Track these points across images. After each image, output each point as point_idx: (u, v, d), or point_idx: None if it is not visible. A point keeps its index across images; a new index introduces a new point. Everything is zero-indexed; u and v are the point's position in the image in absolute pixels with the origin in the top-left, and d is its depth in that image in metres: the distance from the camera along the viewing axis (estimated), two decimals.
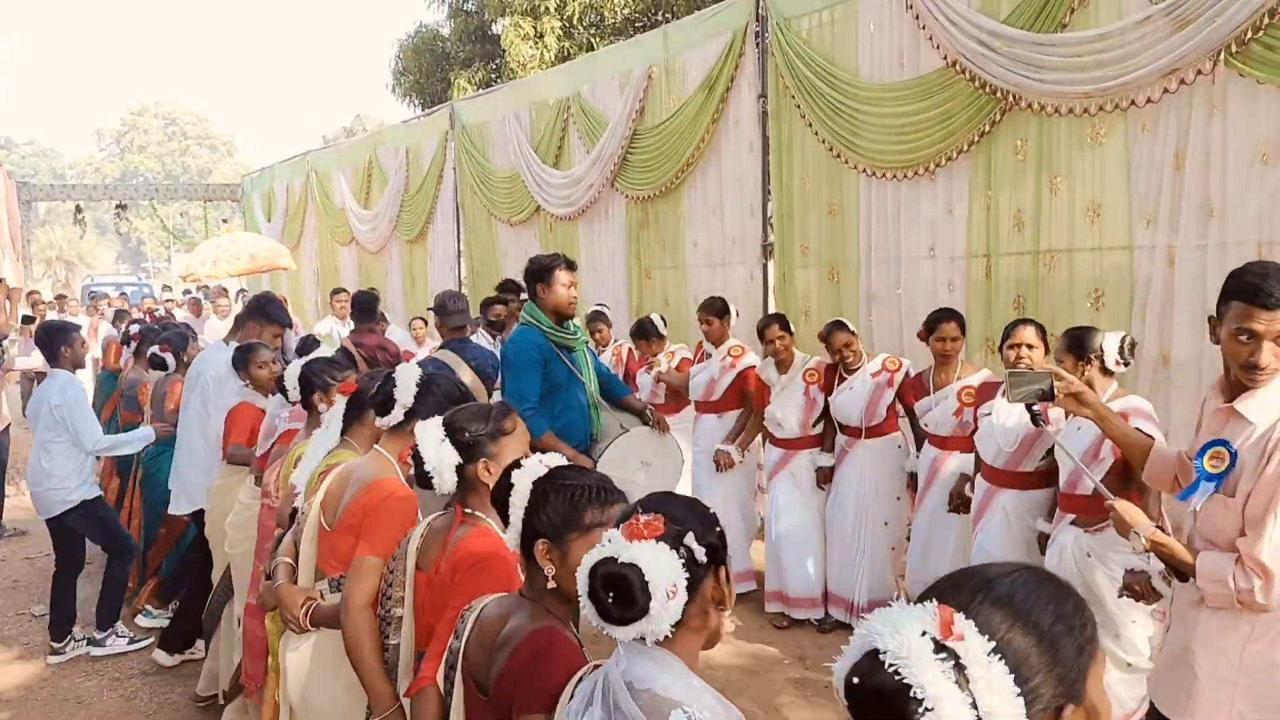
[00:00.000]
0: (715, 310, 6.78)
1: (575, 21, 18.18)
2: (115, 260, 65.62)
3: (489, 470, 2.59)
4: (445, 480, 2.62)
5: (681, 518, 1.65)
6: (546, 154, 10.49)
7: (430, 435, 2.64)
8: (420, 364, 5.87)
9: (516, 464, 2.17)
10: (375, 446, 3.15)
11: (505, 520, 2.16)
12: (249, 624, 4.09)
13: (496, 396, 6.49)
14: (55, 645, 5.95)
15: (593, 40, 18.01)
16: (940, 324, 5.28)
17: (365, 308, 7.88)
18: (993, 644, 1.08)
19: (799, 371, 6.15)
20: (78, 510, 5.78)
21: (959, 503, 5.13)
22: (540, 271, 5.27)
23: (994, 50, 5.86)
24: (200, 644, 5.64)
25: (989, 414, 4.64)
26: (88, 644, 6.00)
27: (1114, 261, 5.61)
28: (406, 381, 3.09)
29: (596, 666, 1.75)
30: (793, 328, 6.40)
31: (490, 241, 12.06)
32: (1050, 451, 4.44)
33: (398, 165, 13.70)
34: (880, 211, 7.02)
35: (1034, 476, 4.60)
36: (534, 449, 2.43)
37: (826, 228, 7.50)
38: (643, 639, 1.59)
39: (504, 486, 2.14)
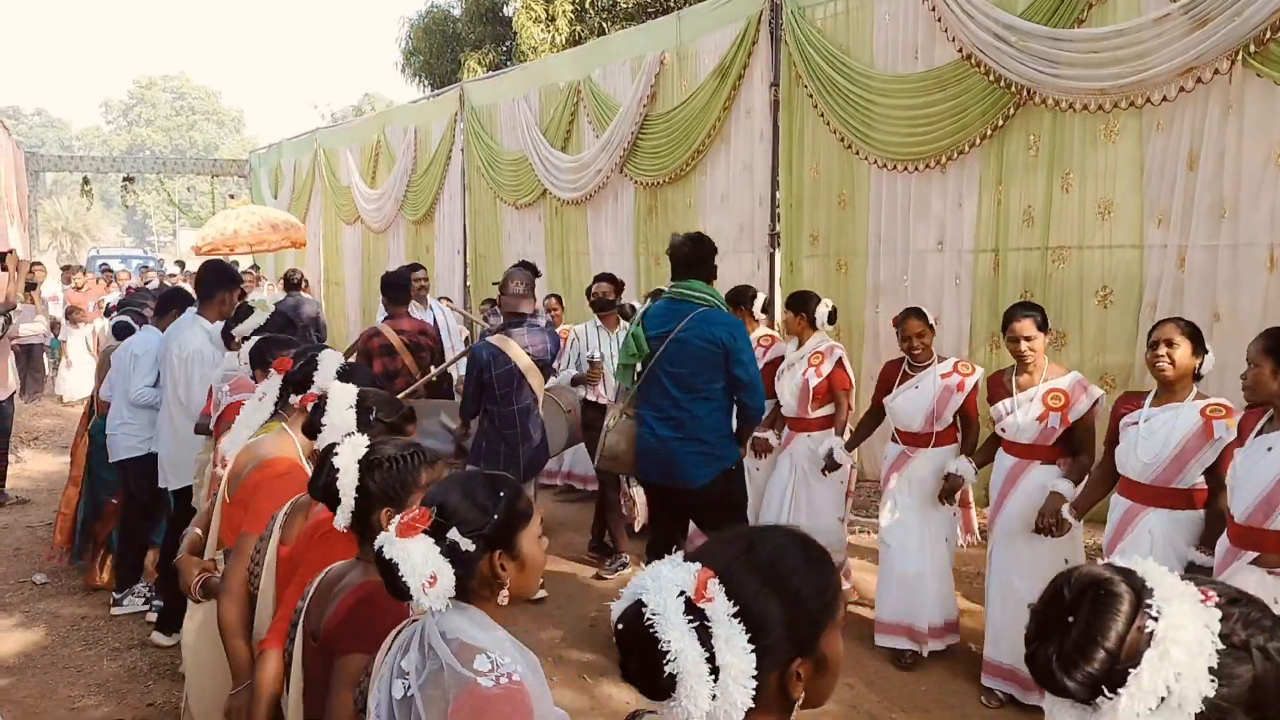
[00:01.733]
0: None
1: (588, 5, 18.10)
2: (120, 233, 65.56)
3: None
4: (334, 436, 2.60)
5: (453, 509, 1.83)
6: (555, 138, 10.46)
7: (342, 395, 2.79)
8: (475, 349, 5.90)
9: (331, 449, 2.32)
10: (282, 424, 3.21)
11: (327, 501, 2.31)
12: None
13: (554, 382, 6.41)
14: (116, 596, 6.18)
15: (605, 24, 17.94)
16: (1012, 321, 4.62)
17: (398, 288, 7.06)
18: (736, 607, 1.26)
19: (809, 353, 5.65)
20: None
21: (1051, 523, 4.41)
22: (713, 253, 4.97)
23: (1009, 44, 5.84)
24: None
25: (1134, 423, 4.08)
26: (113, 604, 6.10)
27: (1124, 260, 5.60)
28: (328, 366, 3.18)
29: (414, 620, 1.91)
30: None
31: (494, 224, 12.05)
32: (1213, 469, 3.90)
33: (406, 145, 13.67)
34: (890, 203, 7.01)
35: (1188, 495, 4.02)
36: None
37: (836, 218, 7.49)
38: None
39: (326, 469, 2.28)
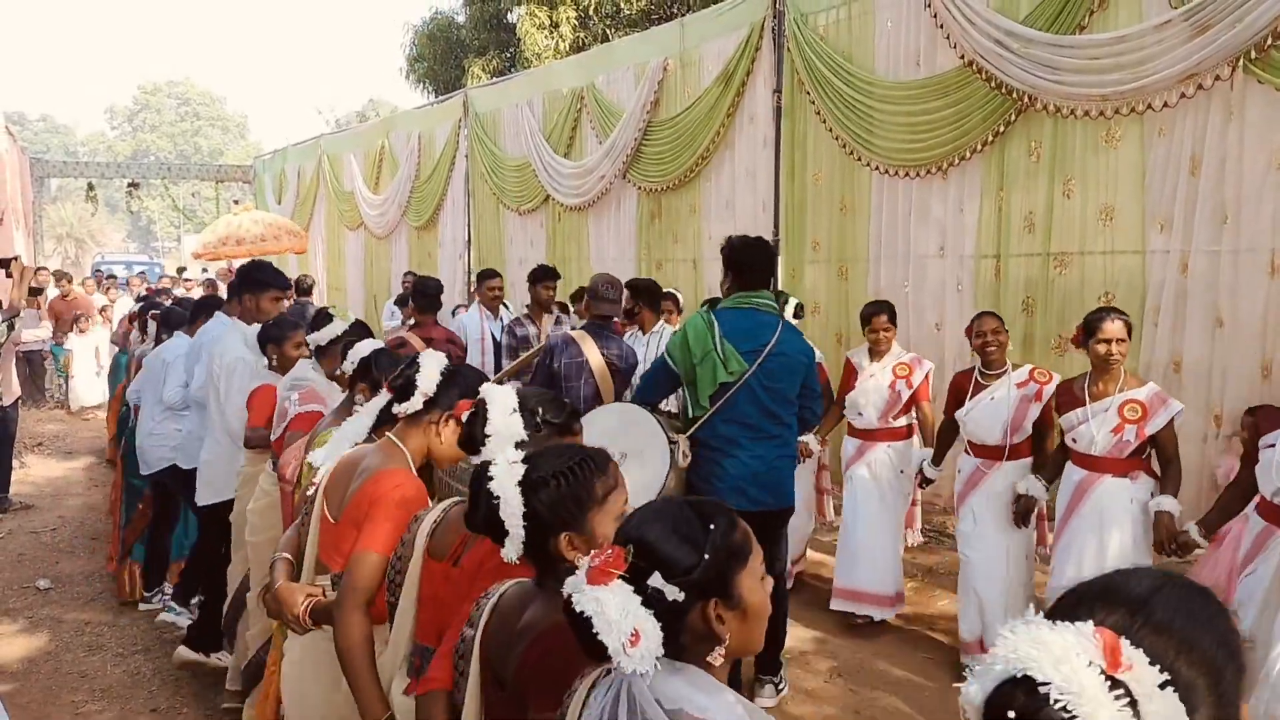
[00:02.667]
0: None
1: (591, 12, 18.14)
2: (124, 239, 65.64)
3: None
4: (502, 450, 2.22)
5: (654, 549, 1.48)
6: (558, 144, 10.49)
7: (503, 398, 2.44)
8: (551, 338, 5.88)
9: (484, 475, 1.98)
10: (388, 434, 2.86)
11: (491, 534, 1.99)
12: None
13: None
14: (146, 594, 6.31)
15: (608, 31, 17.98)
16: (1103, 322, 4.40)
17: (430, 296, 6.98)
18: (1165, 675, 1.00)
19: (892, 361, 5.61)
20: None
21: (1174, 547, 4.19)
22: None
23: (1011, 51, 5.85)
24: (224, 653, 5.21)
25: (1272, 445, 3.91)
26: (165, 609, 6.15)
27: (1126, 265, 5.61)
28: (430, 368, 2.83)
29: (609, 671, 1.57)
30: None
31: (496, 230, 12.07)
32: None
33: (409, 151, 13.71)
34: (891, 209, 7.02)
35: None
36: None
37: (837, 224, 7.50)
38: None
39: (483, 499, 1.96)
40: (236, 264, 16.93)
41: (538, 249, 11.21)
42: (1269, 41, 4.70)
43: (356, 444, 3.05)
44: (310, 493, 3.02)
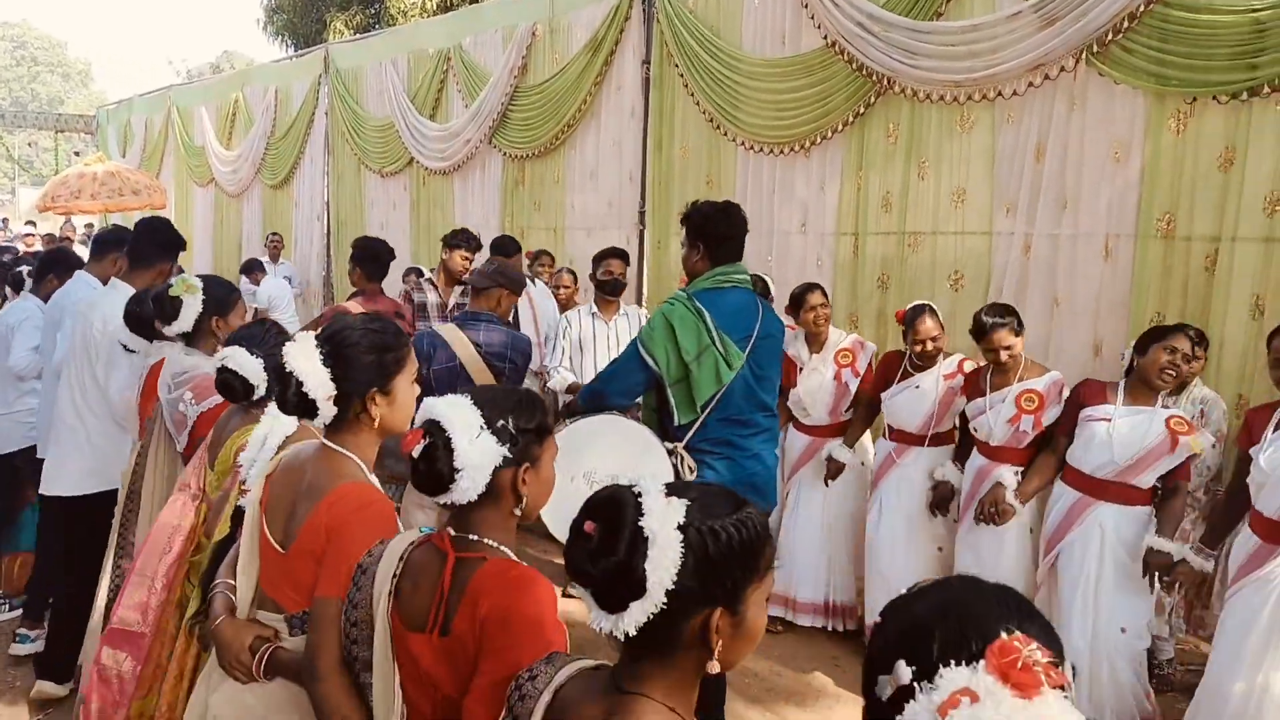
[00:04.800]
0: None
1: None
2: None
3: (525, 482, 1.93)
4: (476, 484, 1.87)
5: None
6: (423, 105, 10.26)
7: (464, 418, 1.89)
8: (416, 337, 4.59)
9: (637, 517, 1.38)
10: (322, 441, 2.33)
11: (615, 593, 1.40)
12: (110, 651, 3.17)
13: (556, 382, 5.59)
14: None
15: None
16: (990, 332, 4.37)
17: (379, 262, 5.96)
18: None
19: (832, 350, 5.19)
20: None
21: (993, 511, 4.30)
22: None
23: (872, 34, 5.99)
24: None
25: (1104, 419, 4.04)
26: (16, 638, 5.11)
27: (974, 246, 5.83)
28: (308, 368, 2.24)
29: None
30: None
31: (357, 191, 11.75)
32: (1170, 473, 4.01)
33: (265, 106, 13.19)
34: (756, 185, 7.12)
35: (1144, 493, 4.09)
36: None
37: (704, 197, 7.50)
38: None
39: (626, 546, 1.37)
40: (78, 220, 16.06)
41: (401, 212, 10.97)
42: (1110, 36, 4.94)
43: (287, 436, 2.61)
44: (240, 505, 2.55)
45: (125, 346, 4.18)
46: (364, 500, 2.21)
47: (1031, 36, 5.23)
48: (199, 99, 15.42)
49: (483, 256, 6.40)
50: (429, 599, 1.88)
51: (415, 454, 1.89)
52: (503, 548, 1.91)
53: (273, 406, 2.52)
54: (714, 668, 1.42)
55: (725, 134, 7.24)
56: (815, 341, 5.24)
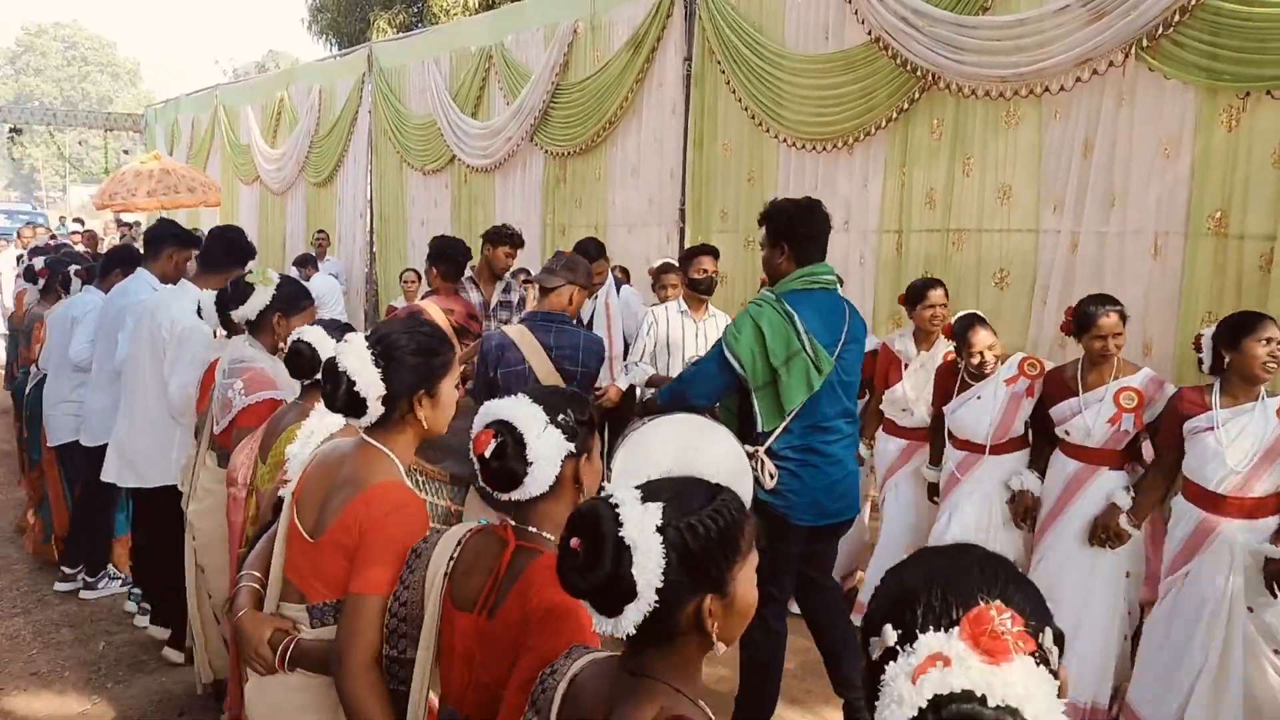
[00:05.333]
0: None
1: None
2: (5, 187, 62.65)
3: (584, 474, 2.04)
4: (548, 476, 1.96)
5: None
6: (465, 103, 10.31)
7: (530, 415, 1.97)
8: (485, 338, 4.49)
9: (603, 514, 1.45)
10: (364, 437, 2.35)
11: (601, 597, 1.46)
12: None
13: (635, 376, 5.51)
14: (89, 579, 5.70)
15: None
16: (1096, 319, 4.13)
17: (454, 260, 5.71)
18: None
19: (940, 350, 5.00)
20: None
21: (1105, 536, 4.13)
22: None
23: (917, 29, 5.93)
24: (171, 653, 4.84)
25: (1209, 428, 3.85)
26: (84, 586, 5.64)
27: (1019, 244, 5.76)
28: (361, 367, 2.27)
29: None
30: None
31: (399, 189, 11.84)
32: None
33: (310, 105, 13.33)
34: (798, 181, 7.08)
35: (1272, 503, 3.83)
36: None
37: (745, 194, 7.55)
38: None
39: (611, 553, 1.43)
40: (127, 217, 16.31)
41: (442, 210, 11.04)
42: (1160, 30, 4.86)
43: (332, 434, 2.63)
44: (280, 495, 2.58)
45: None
46: (402, 500, 2.23)
47: (1079, 31, 5.15)
48: (245, 98, 15.62)
49: (529, 255, 6.37)
50: (483, 581, 1.95)
51: (488, 453, 1.95)
52: (553, 539, 1.93)
53: (321, 404, 2.55)
54: (719, 649, 1.49)
55: (767, 130, 7.20)
56: (926, 340, 5.07)
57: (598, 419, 2.08)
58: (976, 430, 4.58)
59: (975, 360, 4.50)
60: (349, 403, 2.28)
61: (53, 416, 5.63)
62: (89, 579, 5.67)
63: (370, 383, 2.26)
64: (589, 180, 9.02)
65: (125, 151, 20.44)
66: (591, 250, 6.24)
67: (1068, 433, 4.29)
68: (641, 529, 1.42)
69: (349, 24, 21.21)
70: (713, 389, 3.77)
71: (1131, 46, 5.01)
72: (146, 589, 5.26)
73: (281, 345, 3.58)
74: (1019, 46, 5.46)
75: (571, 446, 1.97)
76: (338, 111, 12.77)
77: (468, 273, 6.34)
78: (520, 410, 1.97)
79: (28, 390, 6.33)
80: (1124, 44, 5.03)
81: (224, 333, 4.15)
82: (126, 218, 16.33)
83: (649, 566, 1.41)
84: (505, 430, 1.95)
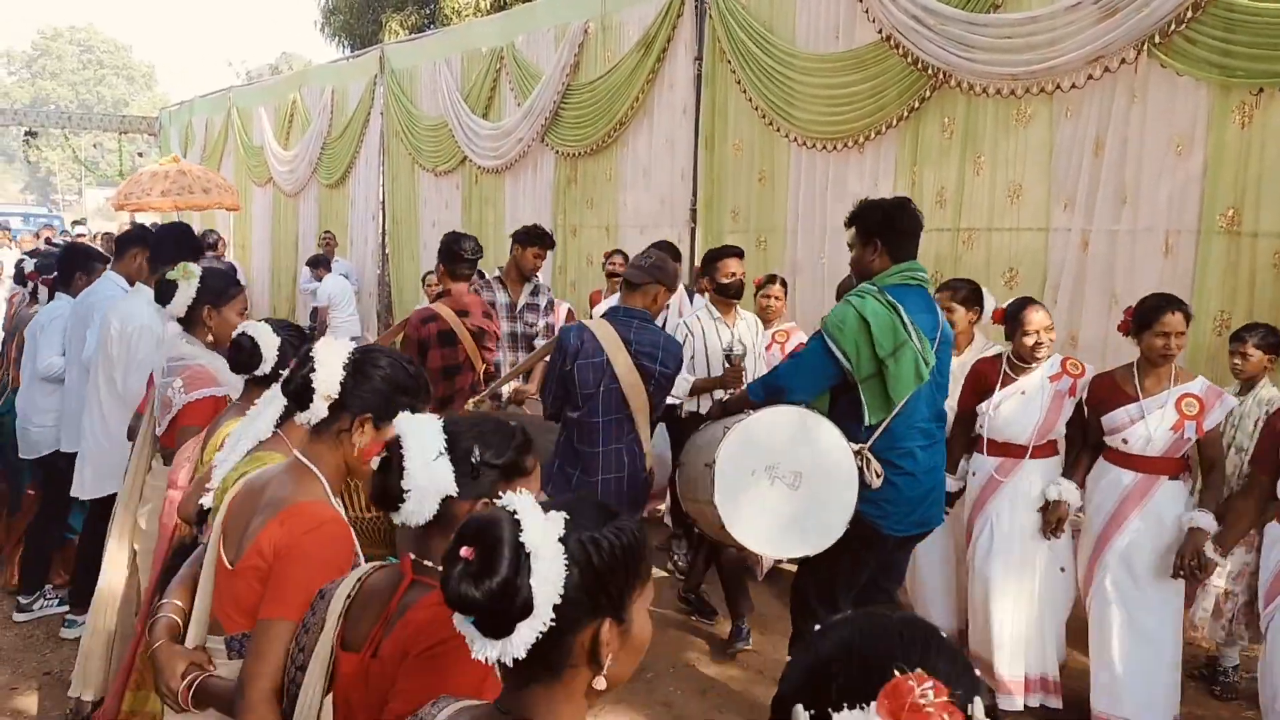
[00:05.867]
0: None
1: None
2: (22, 190, 63.07)
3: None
4: (423, 508, 1.81)
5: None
6: (476, 104, 10.33)
7: (423, 439, 1.83)
8: (563, 331, 4.34)
9: (516, 533, 1.34)
10: (295, 453, 2.24)
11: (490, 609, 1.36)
12: (127, 647, 3.25)
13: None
14: (22, 599, 5.39)
15: None
16: (1161, 315, 3.95)
17: (464, 258, 5.38)
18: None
19: (975, 358, 4.73)
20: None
21: (1194, 565, 3.85)
22: None
23: (927, 27, 5.92)
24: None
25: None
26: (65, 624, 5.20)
27: (1029, 243, 5.74)
28: (330, 362, 2.19)
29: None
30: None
31: (411, 190, 11.87)
32: None
33: (322, 106, 13.37)
34: (809, 181, 7.07)
35: None
36: None
37: (756, 194, 7.54)
38: None
39: (507, 563, 1.31)
40: (143, 218, 16.36)
41: (453, 211, 11.06)
42: (1172, 27, 4.83)
43: (251, 454, 2.48)
44: (203, 505, 2.48)
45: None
46: (318, 519, 2.09)
47: (1091, 28, 5.13)
48: (258, 100, 15.69)
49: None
50: (374, 619, 1.81)
51: (373, 464, 1.87)
52: None
53: (254, 408, 2.57)
54: (599, 683, 1.39)
55: (778, 130, 7.19)
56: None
57: (525, 466, 1.90)
58: (1019, 428, 4.31)
59: (1029, 342, 4.24)
60: (300, 390, 2.19)
61: (26, 430, 5.32)
62: (23, 600, 5.40)
63: (329, 381, 2.17)
64: (600, 181, 9.02)
65: (140, 154, 20.52)
66: (674, 253, 5.92)
67: (1125, 440, 4.05)
68: (544, 536, 1.32)
69: (361, 26, 21.27)
70: (814, 381, 3.66)
71: (1144, 43, 4.99)
72: (86, 594, 4.78)
73: (211, 338, 3.57)
74: (1030, 44, 5.44)
75: (453, 489, 1.80)
76: (350, 113, 12.81)
77: (495, 272, 6.22)
78: (417, 432, 1.84)
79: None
80: (1136, 41, 5.00)
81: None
82: (143, 219, 16.40)
83: (549, 578, 1.30)
84: (394, 447, 1.83)
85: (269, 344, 2.90)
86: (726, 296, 5.34)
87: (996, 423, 4.36)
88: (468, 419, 1.90)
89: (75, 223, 20.28)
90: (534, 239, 6.03)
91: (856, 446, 3.60)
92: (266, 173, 14.98)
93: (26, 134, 20.89)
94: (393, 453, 1.83)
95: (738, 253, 5.44)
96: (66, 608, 5.26)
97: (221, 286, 3.65)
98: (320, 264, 11.50)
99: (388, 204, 12.42)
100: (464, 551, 1.33)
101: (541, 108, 9.26)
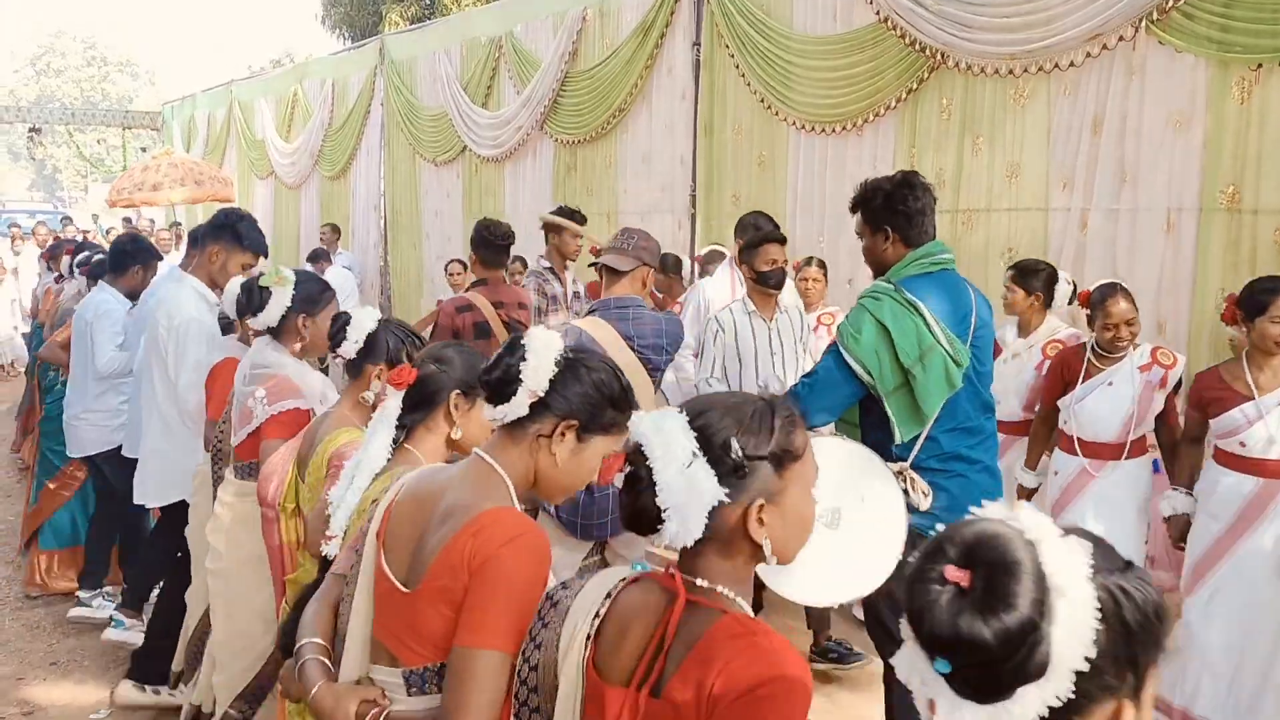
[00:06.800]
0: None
1: None
2: (29, 188, 63.20)
3: (763, 522, 1.50)
4: (689, 526, 1.47)
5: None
6: (476, 93, 10.31)
7: (671, 441, 1.49)
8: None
9: (1038, 562, 1.05)
10: (477, 452, 1.94)
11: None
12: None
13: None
14: (82, 594, 5.35)
15: None
16: (1277, 298, 3.64)
17: (498, 246, 5.23)
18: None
19: (1042, 341, 4.59)
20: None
21: None
22: None
23: (925, 7, 5.88)
24: (177, 688, 4.30)
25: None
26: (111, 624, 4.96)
27: (1028, 223, 5.71)
28: (542, 354, 1.89)
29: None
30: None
31: (412, 180, 11.86)
32: None
33: (323, 98, 13.36)
34: (808, 165, 7.04)
35: None
36: None
37: (756, 178, 7.51)
38: None
39: (1028, 599, 1.01)
40: (150, 213, 16.40)
41: (454, 201, 11.05)
42: (1170, 3, 4.79)
43: (378, 473, 2.25)
44: (335, 547, 2.24)
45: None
46: (518, 528, 1.79)
47: (1089, 5, 5.08)
48: (259, 92, 15.69)
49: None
50: (640, 647, 1.51)
51: (617, 484, 1.59)
52: (739, 600, 1.52)
53: (369, 428, 2.32)
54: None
55: (777, 114, 7.16)
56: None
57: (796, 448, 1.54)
58: (1108, 424, 4.00)
59: (1108, 335, 3.98)
60: (502, 382, 1.88)
61: (74, 427, 5.18)
62: (84, 595, 5.35)
63: (538, 376, 1.87)
64: (599, 168, 9.00)
65: (143, 149, 20.53)
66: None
67: (1242, 444, 3.70)
68: (1072, 571, 0.99)
69: (362, 17, 21.28)
70: (835, 401, 3.31)
71: (1142, 20, 4.94)
72: (138, 597, 4.85)
73: (300, 347, 3.36)
74: (1028, 23, 5.40)
75: (724, 493, 1.46)
76: (350, 105, 12.80)
77: (544, 263, 5.98)
78: (661, 434, 1.50)
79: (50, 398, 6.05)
80: (1134, 17, 4.96)
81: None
82: (148, 213, 16.43)
83: (1077, 628, 0.98)
84: (638, 458, 1.53)
85: (360, 329, 2.75)
86: (767, 287, 4.76)
87: (1082, 418, 4.05)
88: (709, 400, 1.58)
89: (64, 219, 20.18)
90: (568, 219, 5.82)
91: (897, 466, 3.24)
92: (268, 165, 15.00)
93: (31, 131, 20.90)
94: (637, 465, 1.53)
95: (779, 238, 4.87)
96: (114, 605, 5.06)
97: (316, 293, 3.44)
98: (320, 257, 11.51)
99: (388, 195, 12.41)
100: (955, 573, 1.02)
101: (540, 96, 9.23)
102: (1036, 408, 4.52)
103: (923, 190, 3.40)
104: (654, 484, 1.47)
